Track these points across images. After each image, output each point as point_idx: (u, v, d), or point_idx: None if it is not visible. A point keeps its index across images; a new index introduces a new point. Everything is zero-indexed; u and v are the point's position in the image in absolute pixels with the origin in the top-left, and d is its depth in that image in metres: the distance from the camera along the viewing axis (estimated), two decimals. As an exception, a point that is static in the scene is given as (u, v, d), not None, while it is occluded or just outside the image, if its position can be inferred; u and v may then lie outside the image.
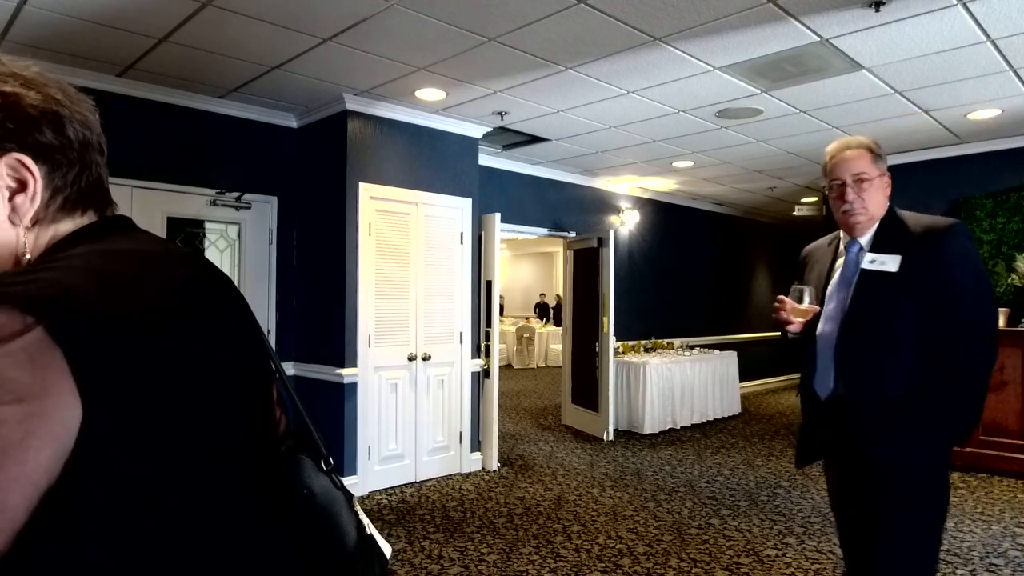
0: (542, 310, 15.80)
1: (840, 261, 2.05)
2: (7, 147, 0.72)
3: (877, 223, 1.99)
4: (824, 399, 1.98)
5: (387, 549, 0.99)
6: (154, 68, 4.17)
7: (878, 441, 1.86)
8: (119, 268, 0.73)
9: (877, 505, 1.86)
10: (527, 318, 15.07)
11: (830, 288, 2.01)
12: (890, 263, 1.88)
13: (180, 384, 0.70)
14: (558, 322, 14.81)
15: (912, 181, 6.07)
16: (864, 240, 2.00)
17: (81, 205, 0.79)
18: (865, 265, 1.93)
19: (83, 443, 0.61)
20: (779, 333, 2.27)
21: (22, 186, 0.74)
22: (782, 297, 1.97)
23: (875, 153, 1.98)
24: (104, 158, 0.82)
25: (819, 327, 1.99)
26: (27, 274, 0.67)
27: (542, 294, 16.43)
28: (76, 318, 0.62)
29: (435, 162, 5.34)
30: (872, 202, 1.96)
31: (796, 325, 1.99)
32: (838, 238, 2.12)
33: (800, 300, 1.94)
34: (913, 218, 1.96)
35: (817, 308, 1.97)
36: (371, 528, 0.98)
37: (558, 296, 16.36)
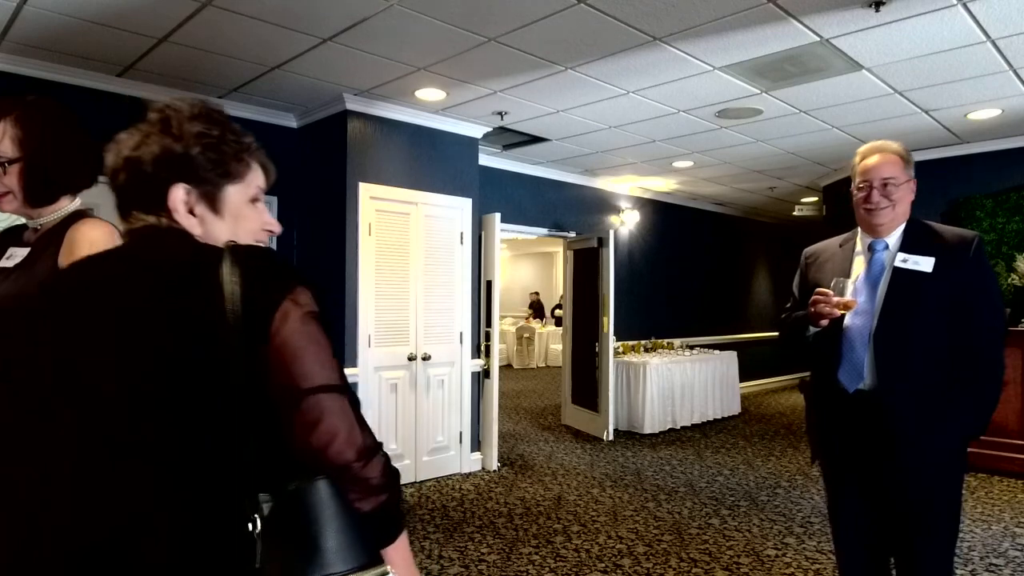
0: (537, 310, 15.59)
1: (859, 260, 2.13)
2: None
3: (903, 226, 2.10)
4: (852, 392, 2.02)
5: None
6: (154, 68, 4.17)
7: (917, 431, 1.93)
8: None
9: (919, 496, 1.95)
10: (527, 317, 15.01)
11: (856, 284, 2.07)
12: (924, 263, 2.00)
13: None
14: (550, 320, 14.73)
15: (912, 181, 6.07)
16: (891, 241, 2.09)
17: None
18: (899, 264, 2.02)
19: None
20: (778, 331, 2.28)
21: None
22: (825, 290, 2.00)
23: (905, 160, 2.10)
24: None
25: (847, 320, 2.05)
26: None
27: (536, 292, 16.17)
28: None
29: (435, 162, 5.34)
30: (898, 204, 2.07)
31: (827, 320, 2.03)
32: (853, 239, 2.19)
33: (842, 294, 1.98)
34: (938, 226, 2.10)
35: (857, 301, 2.01)
36: None
37: (535, 295, 16.11)
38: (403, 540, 0.97)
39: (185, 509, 0.83)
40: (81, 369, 0.86)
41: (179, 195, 0.97)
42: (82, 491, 0.83)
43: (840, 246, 2.22)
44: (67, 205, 1.63)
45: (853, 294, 2.02)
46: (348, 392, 0.94)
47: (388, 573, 0.90)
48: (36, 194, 1.57)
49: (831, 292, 1.98)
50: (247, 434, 0.86)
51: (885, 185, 2.05)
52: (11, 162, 1.52)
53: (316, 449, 0.89)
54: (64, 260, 1.52)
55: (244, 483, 0.84)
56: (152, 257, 0.94)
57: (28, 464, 0.85)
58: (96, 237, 1.56)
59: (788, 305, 2.32)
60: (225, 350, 0.85)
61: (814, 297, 2.01)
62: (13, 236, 1.67)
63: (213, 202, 1.00)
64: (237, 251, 0.92)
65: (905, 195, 2.07)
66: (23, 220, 1.67)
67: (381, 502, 0.93)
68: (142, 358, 0.86)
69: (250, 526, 0.83)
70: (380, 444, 0.95)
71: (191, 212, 0.99)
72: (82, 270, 0.97)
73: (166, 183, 0.96)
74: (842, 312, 2.00)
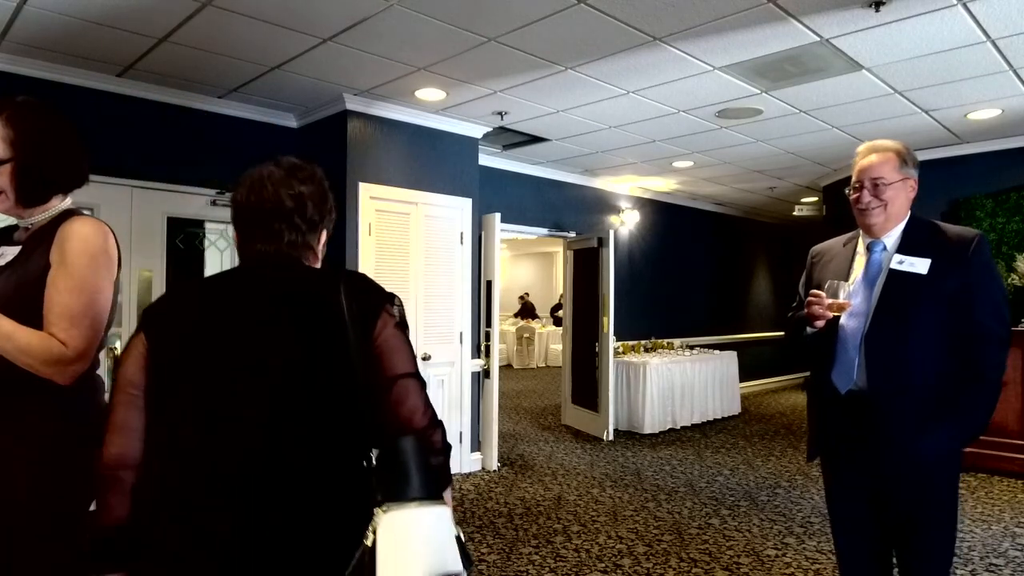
0: (527, 311, 15.37)
1: (860, 260, 2.11)
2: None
3: (902, 226, 2.06)
4: (845, 392, 2.01)
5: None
6: (154, 68, 4.17)
7: (909, 433, 1.91)
8: None
9: (913, 496, 1.93)
10: (527, 320, 14.95)
11: (853, 285, 2.06)
12: (920, 265, 1.96)
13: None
14: (555, 322, 14.55)
15: (912, 181, 6.08)
16: (889, 241, 2.06)
17: None
18: (894, 266, 2.00)
19: None
20: (783, 331, 2.27)
21: None
22: (818, 292, 1.99)
23: (902, 158, 2.04)
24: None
25: (842, 321, 2.04)
26: None
27: (525, 294, 15.98)
28: None
29: (435, 162, 5.34)
30: (890, 205, 2.03)
31: (823, 320, 2.02)
32: (856, 238, 2.17)
33: (836, 295, 1.98)
34: (942, 225, 2.05)
35: (851, 303, 1.99)
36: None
37: (523, 297, 15.91)
38: (449, 491, 1.29)
39: (335, 453, 1.18)
40: (264, 352, 1.19)
41: (324, 235, 1.46)
42: (271, 440, 1.16)
43: (843, 245, 2.21)
44: (58, 204, 1.63)
45: (851, 295, 2.01)
46: (422, 379, 1.28)
47: (448, 508, 1.17)
48: (28, 194, 1.57)
49: (824, 294, 1.97)
50: (365, 405, 1.20)
51: (876, 185, 2.02)
52: (3, 162, 1.52)
53: (402, 419, 1.22)
54: (55, 256, 1.52)
55: (365, 437, 1.18)
56: (301, 273, 1.31)
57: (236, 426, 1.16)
58: (88, 233, 1.56)
59: (795, 304, 2.32)
60: (348, 345, 1.19)
61: (808, 299, 2.02)
62: (4, 236, 1.67)
63: (324, 242, 1.47)
64: (348, 275, 1.29)
65: (898, 194, 2.02)
66: (16, 221, 1.67)
67: (440, 461, 1.25)
68: (302, 345, 1.19)
69: (366, 464, 1.17)
70: (441, 420, 1.27)
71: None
72: (257, 274, 1.29)
73: (317, 225, 1.42)
74: (835, 314, 1.99)
